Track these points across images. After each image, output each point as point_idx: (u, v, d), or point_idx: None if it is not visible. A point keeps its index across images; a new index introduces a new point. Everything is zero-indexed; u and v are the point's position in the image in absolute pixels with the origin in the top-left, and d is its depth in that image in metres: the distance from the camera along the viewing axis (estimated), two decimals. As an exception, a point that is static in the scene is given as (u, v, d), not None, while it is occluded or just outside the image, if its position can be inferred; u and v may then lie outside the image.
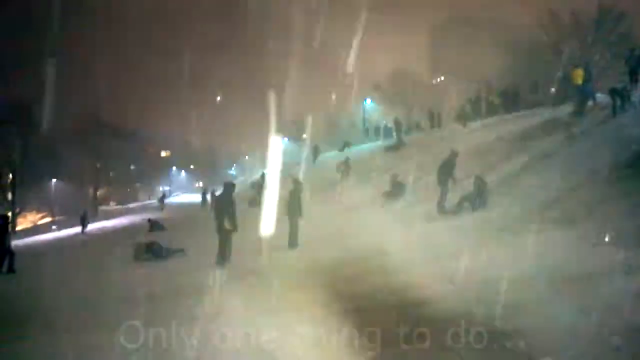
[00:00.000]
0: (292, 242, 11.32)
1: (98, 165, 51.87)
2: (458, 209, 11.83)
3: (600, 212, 7.82)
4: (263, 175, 27.63)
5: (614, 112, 13.36)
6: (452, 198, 12.30)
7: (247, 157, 68.85)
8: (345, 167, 22.58)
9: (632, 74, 14.94)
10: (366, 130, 41.29)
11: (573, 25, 33.77)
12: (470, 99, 30.13)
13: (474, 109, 28.04)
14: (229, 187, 10.71)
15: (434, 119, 30.01)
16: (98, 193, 52.88)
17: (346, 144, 33.96)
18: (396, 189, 15.73)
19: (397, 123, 28.01)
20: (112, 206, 54.37)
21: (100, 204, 50.48)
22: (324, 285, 6.96)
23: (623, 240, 6.42)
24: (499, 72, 35.85)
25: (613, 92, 13.77)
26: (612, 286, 5.17)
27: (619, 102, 13.40)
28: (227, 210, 10.23)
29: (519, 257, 7.04)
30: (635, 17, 31.63)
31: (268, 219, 10.38)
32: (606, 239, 6.73)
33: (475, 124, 23.25)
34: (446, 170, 12.63)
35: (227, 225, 10.06)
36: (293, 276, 8.20)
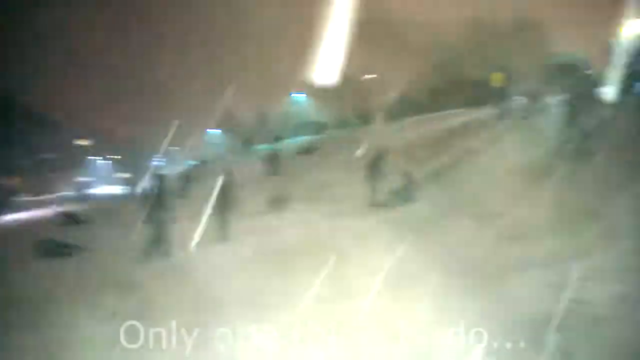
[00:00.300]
0: (223, 236, 11.10)
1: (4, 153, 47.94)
2: (386, 203, 12.19)
3: (519, 208, 8.33)
4: (193, 166, 26.87)
5: (531, 113, 14.32)
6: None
7: (176, 147, 66.56)
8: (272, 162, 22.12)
9: (549, 78, 16.08)
10: (297, 125, 41.30)
11: (494, 31, 35.66)
12: (399, 98, 31.03)
13: (402, 107, 28.92)
14: (160, 178, 10.34)
15: (364, 116, 30.66)
16: (7, 183, 48.97)
17: (278, 138, 33.69)
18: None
19: (315, 125, 27.73)
20: (24, 197, 50.59)
21: (10, 195, 46.82)
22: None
23: (539, 235, 6.89)
24: (426, 73, 37.14)
25: (529, 95, 14.75)
26: (525, 278, 5.53)
27: (535, 104, 14.38)
28: (160, 202, 9.87)
29: (441, 250, 7.36)
30: (551, 26, 33.91)
31: (197, 212, 10.13)
32: (523, 233, 7.18)
33: (403, 122, 23.95)
34: (375, 167, 12.95)
35: (161, 218, 9.71)
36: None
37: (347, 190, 14.94)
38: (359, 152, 17.44)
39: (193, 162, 29.66)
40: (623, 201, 7.63)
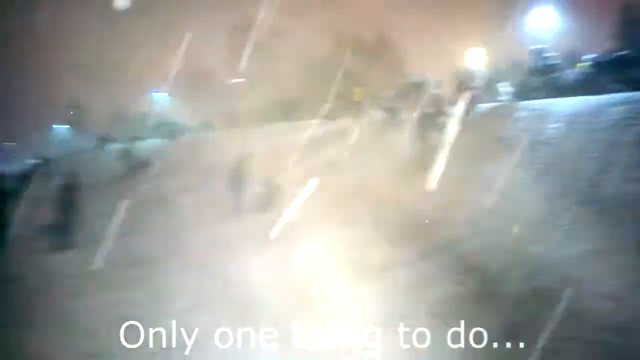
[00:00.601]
0: (66, 243, 9.98)
1: None
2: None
3: (377, 213, 8.82)
4: (33, 165, 24.35)
5: (387, 127, 15.38)
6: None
7: (13, 142, 59.08)
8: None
9: (403, 95, 17.39)
10: (156, 125, 39.29)
11: (356, 48, 37.72)
12: (263, 104, 31.21)
13: (266, 114, 29.12)
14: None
15: (228, 119, 30.30)
16: None
17: (135, 138, 31.63)
18: None
19: (175, 126, 26.78)
20: None
21: None
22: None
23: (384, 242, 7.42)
24: (293, 81, 37.89)
25: (386, 109, 15.89)
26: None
27: (391, 119, 15.51)
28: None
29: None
30: (407, 48, 36.88)
31: (37, 216, 9.12)
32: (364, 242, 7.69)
33: (265, 129, 24.00)
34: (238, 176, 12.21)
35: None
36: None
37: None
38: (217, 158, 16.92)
39: (33, 160, 26.58)
40: (462, 209, 8.51)
